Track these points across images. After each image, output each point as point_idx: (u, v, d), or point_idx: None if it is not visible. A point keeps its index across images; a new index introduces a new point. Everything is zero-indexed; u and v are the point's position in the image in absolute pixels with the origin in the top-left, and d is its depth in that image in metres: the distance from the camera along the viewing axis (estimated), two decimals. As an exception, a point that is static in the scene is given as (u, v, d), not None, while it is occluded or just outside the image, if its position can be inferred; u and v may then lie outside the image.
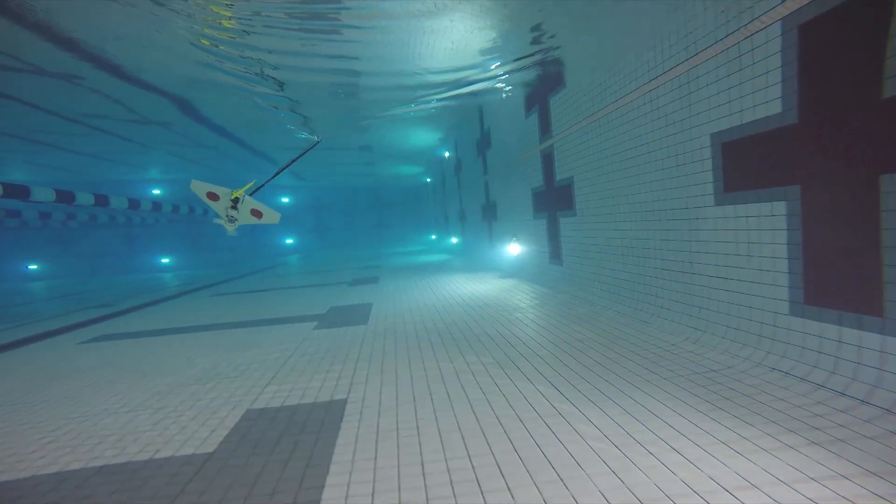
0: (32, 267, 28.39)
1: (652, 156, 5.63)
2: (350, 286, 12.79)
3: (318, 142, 13.16)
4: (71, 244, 28.78)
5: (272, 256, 31.06)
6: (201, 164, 22.87)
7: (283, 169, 8.27)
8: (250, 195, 7.24)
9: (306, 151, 9.72)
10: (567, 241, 8.30)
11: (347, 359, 5.58)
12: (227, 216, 7.08)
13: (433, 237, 30.74)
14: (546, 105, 8.67)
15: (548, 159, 8.84)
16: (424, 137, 19.56)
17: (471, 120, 15.07)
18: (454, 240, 22.36)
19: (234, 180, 10.07)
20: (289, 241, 34.76)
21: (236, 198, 6.98)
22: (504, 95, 11.27)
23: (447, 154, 21.61)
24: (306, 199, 35.00)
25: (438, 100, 12.79)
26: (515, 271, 11.71)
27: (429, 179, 30.44)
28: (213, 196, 7.01)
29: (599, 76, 6.74)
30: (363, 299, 10.13)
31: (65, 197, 15.01)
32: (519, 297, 8.63)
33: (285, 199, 34.30)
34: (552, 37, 7.18)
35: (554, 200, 8.72)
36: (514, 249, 11.41)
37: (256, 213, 7.18)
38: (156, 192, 28.81)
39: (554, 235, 8.90)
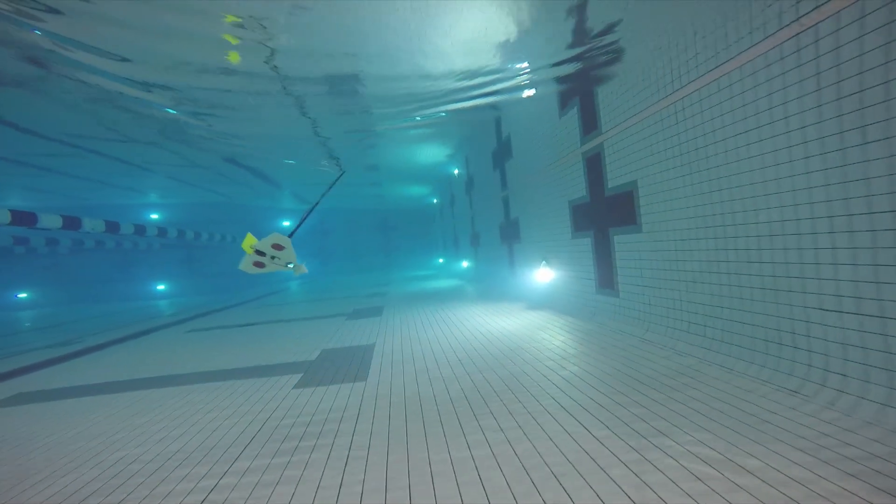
0: (22, 295, 26.97)
1: (779, 141, 3.80)
2: (349, 319, 10.91)
3: (343, 174, 13.11)
4: (63, 271, 27.36)
5: (271, 283, 29.28)
6: (201, 188, 21.61)
7: (314, 207, 8.14)
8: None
9: (333, 185, 9.76)
10: (625, 263, 6.42)
11: (334, 452, 3.66)
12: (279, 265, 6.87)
13: (441, 261, 28.91)
14: (591, 98, 6.91)
15: (594, 163, 7.03)
16: (432, 153, 17.94)
17: (485, 128, 13.36)
18: (465, 264, 20.50)
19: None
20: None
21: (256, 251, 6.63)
22: (526, 95, 9.56)
23: (456, 171, 19.92)
24: (308, 223, 33.33)
25: (450, 109, 11.19)
26: (545, 301, 9.80)
27: (436, 200, 28.77)
28: (258, 265, 6.70)
29: (679, 45, 4.96)
30: (363, 338, 8.23)
31: (71, 223, 13.74)
32: (561, 336, 6.71)
33: (286, 223, 32.74)
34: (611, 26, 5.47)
35: (604, 214, 6.88)
36: (543, 276, 9.53)
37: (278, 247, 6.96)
38: (154, 216, 27.49)
39: (604, 257, 7.03)
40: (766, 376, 4.11)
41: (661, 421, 3.55)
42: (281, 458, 3.57)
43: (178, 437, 4.25)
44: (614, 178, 6.41)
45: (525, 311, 9.51)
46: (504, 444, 3.44)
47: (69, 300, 26.30)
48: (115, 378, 7.04)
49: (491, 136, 13.19)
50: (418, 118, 12.28)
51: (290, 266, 7.13)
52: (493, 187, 13.75)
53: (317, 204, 8.28)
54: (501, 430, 3.71)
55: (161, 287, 28.83)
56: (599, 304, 7.33)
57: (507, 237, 12.86)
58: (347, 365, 6.39)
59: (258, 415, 4.65)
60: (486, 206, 15.20)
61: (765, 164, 3.98)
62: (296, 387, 5.55)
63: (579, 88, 7.38)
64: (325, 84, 9.18)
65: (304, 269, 7.22)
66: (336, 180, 10.92)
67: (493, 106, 10.90)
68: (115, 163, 15.38)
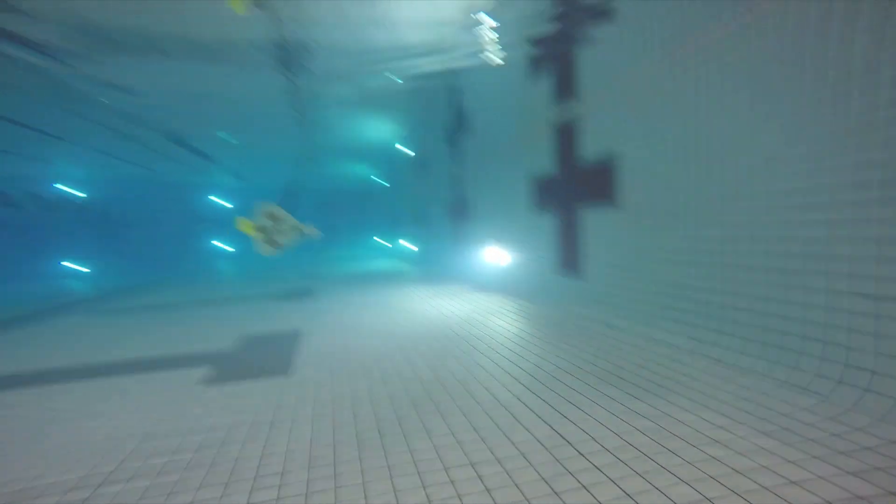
0: None
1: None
2: (275, 300, 9.74)
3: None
4: None
5: (205, 261, 27.17)
6: (127, 162, 19.58)
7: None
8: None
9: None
10: (597, 245, 5.73)
11: (233, 478, 2.69)
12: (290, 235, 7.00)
13: (382, 241, 27.78)
14: (569, 59, 6.10)
15: (566, 133, 6.27)
16: (377, 127, 16.81)
17: (436, 99, 12.39)
18: (411, 246, 19.54)
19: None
20: (228, 248, 30.82)
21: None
22: (487, 60, 8.70)
23: (402, 147, 18.83)
24: (244, 202, 31.24)
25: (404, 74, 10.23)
26: (496, 284, 9.07)
27: (379, 178, 27.53)
28: (272, 243, 6.94)
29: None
30: (289, 324, 7.17)
31: None
32: (517, 322, 5.97)
33: (228, 205, 30.46)
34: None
35: (574, 190, 6.15)
36: (494, 256, 8.78)
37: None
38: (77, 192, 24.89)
39: (569, 237, 6.33)
40: (762, 369, 3.51)
41: (647, 422, 2.84)
42: (163, 479, 2.57)
43: (24, 454, 3.12)
44: (591, 149, 5.66)
45: (474, 292, 8.74)
46: (465, 467, 2.60)
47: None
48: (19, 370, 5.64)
49: (443, 108, 12.23)
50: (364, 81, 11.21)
51: (302, 232, 7.00)
52: (442, 163, 12.84)
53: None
54: (459, 444, 2.87)
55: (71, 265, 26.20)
56: (561, 287, 6.65)
57: (456, 216, 12.02)
58: (268, 354, 5.35)
59: (142, 423, 3.57)
60: (434, 183, 14.28)
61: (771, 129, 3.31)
62: (200, 384, 4.48)
63: (553, 51, 6.58)
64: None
65: (316, 231, 6.92)
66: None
67: (451, 71, 10.00)
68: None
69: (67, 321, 9.24)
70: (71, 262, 26.12)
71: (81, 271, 25.78)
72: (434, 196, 14.13)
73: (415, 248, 19.38)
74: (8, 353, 6.47)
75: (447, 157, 12.18)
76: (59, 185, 24.74)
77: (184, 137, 16.80)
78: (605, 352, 4.44)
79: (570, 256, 6.33)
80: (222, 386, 4.34)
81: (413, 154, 17.05)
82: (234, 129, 15.99)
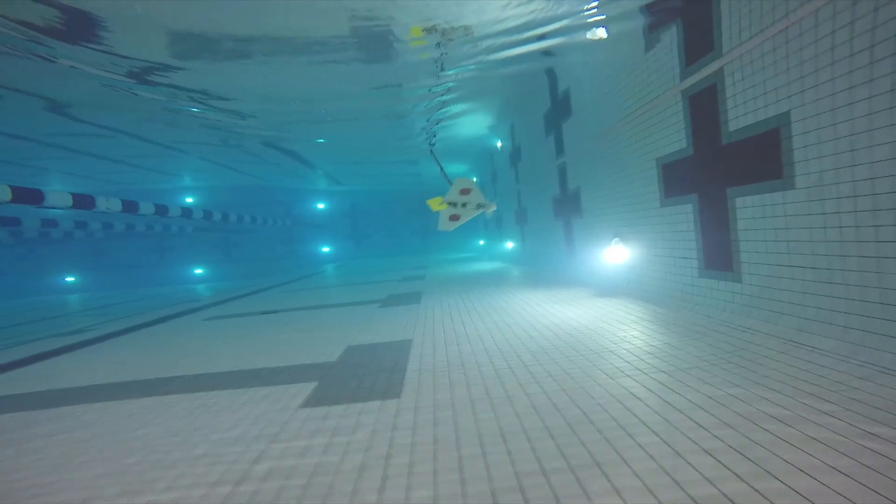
0: (70, 279, 27.41)
1: None
2: (382, 307, 9.43)
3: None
4: (106, 255, 27.53)
5: (307, 266, 28.41)
6: (234, 170, 20.93)
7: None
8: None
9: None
10: (756, 235, 4.60)
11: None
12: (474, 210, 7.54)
13: (482, 242, 27.21)
14: (704, 9, 5.02)
15: (703, 101, 5.18)
16: (470, 125, 16.19)
17: (535, 86, 11.50)
18: (510, 245, 18.75)
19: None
20: (325, 249, 32.10)
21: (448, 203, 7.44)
22: (595, 37, 7.72)
23: (499, 143, 18.09)
24: (342, 205, 32.32)
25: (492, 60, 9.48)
26: (619, 287, 8.02)
27: (475, 178, 26.99)
28: (454, 217, 7.51)
29: None
30: (398, 332, 6.71)
31: (82, 202, 12.98)
32: (654, 333, 4.98)
33: (320, 205, 31.75)
34: None
35: (719, 169, 5.05)
36: (615, 256, 7.76)
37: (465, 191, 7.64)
38: (188, 199, 27.14)
39: (716, 228, 5.22)
40: None
41: None
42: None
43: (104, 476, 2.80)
44: (742, 116, 4.55)
45: (593, 298, 7.78)
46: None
47: (110, 285, 26.21)
48: (97, 380, 5.76)
49: (543, 95, 11.33)
50: (451, 83, 10.63)
51: (483, 207, 7.33)
52: (545, 156, 11.93)
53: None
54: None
55: (198, 271, 28.64)
56: (705, 290, 5.54)
57: (564, 212, 11.06)
58: (377, 370, 4.86)
59: (230, 454, 3.16)
60: (535, 178, 13.39)
61: None
62: (304, 405, 4.06)
63: (678, 6, 5.51)
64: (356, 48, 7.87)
65: (494, 207, 7.30)
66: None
67: (546, 53, 9.09)
68: (148, 144, 14.66)
69: (188, 326, 9.60)
70: (198, 269, 28.59)
71: (201, 276, 28.12)
72: (539, 193, 13.23)
73: (510, 246, 18.56)
74: (136, 361, 6.64)
75: (552, 149, 11.25)
76: (188, 198, 27.20)
77: (279, 142, 17.33)
78: (809, 388, 3.38)
79: (718, 252, 5.20)
80: (328, 408, 3.87)
81: (511, 150, 16.23)
82: (329, 135, 16.23)
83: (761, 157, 4.32)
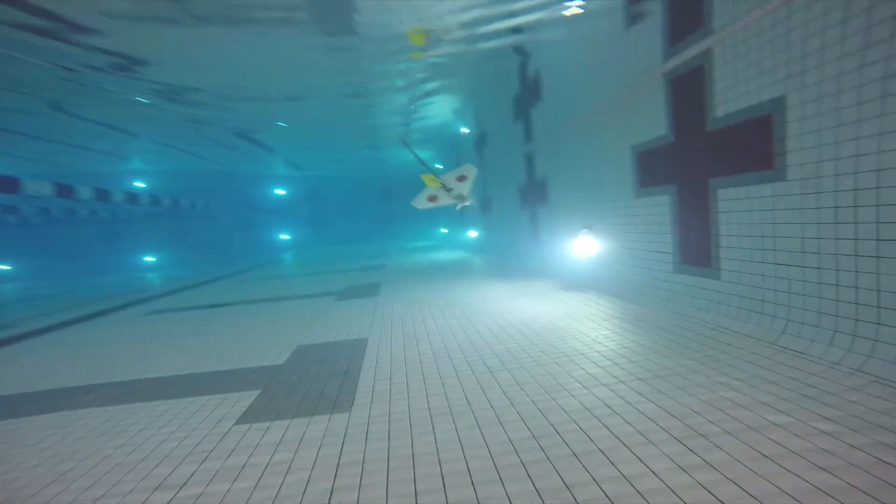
0: (3, 267, 25.36)
1: None
2: (338, 300, 8.89)
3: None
4: (46, 242, 25.61)
5: (265, 254, 27.32)
6: (192, 154, 19.66)
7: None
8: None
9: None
10: (739, 230, 4.31)
11: None
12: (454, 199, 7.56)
13: (444, 231, 26.77)
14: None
15: (689, 84, 4.84)
16: (437, 110, 15.66)
17: (504, 69, 11.05)
18: (472, 233, 18.39)
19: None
20: (284, 236, 30.98)
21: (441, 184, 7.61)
22: (569, 13, 7.34)
23: (464, 129, 17.61)
24: (302, 190, 31.19)
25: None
26: (587, 281, 7.74)
27: (440, 165, 26.47)
28: (432, 198, 7.59)
29: None
30: (353, 329, 6.21)
31: (62, 191, 11.81)
32: (631, 333, 4.67)
33: (280, 191, 30.57)
34: None
35: (702, 157, 4.73)
36: (584, 247, 7.45)
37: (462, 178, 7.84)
38: (139, 184, 25.54)
39: (695, 221, 4.93)
40: None
41: None
42: None
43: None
44: (732, 100, 4.22)
45: (560, 292, 7.46)
46: None
47: (51, 273, 24.50)
48: (8, 390, 5.04)
49: (511, 78, 10.90)
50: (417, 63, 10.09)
51: (460, 200, 7.32)
52: (512, 142, 11.54)
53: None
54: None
55: (150, 259, 27.17)
56: (680, 286, 5.26)
57: (530, 201, 10.72)
58: (326, 377, 4.37)
59: (137, 484, 2.63)
60: (501, 165, 13.00)
61: None
62: (240, 421, 3.54)
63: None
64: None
65: (469, 203, 7.46)
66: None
67: (516, 30, 8.65)
68: (98, 126, 13.42)
69: (125, 322, 8.80)
70: (150, 256, 27.10)
71: (154, 264, 26.68)
72: (502, 179, 12.85)
73: (473, 235, 18.21)
74: (56, 365, 5.90)
75: (518, 133, 10.86)
76: (137, 183, 25.58)
77: (245, 130, 16.44)
78: (799, 398, 3.09)
79: (695, 246, 4.92)
80: (268, 424, 3.36)
81: (477, 136, 15.79)
82: (290, 118, 15.40)
83: (750, 146, 4.01)
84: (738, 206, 4.26)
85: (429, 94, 13.38)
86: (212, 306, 9.75)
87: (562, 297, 7.05)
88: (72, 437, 3.54)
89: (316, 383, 4.20)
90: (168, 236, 27.60)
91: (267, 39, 8.28)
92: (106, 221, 26.06)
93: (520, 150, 10.98)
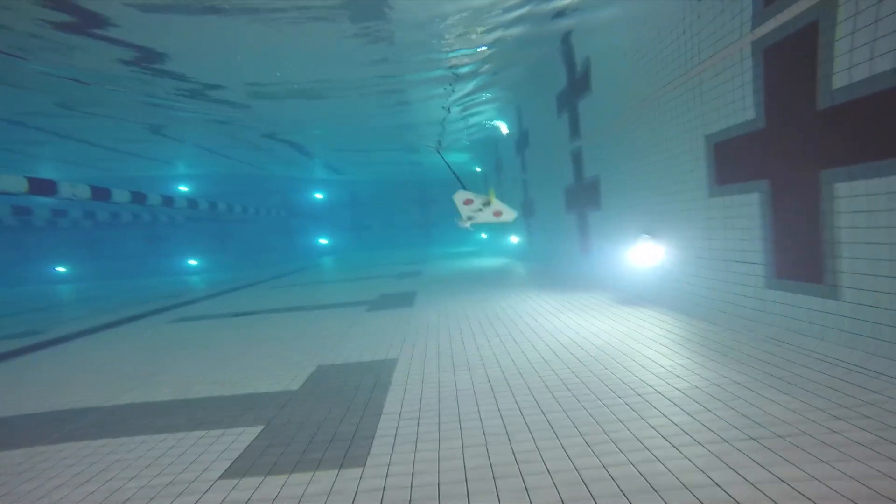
0: (60, 269, 26.35)
1: None
2: (370, 310, 8.21)
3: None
4: (96, 246, 26.33)
5: (303, 258, 27.20)
6: (233, 159, 19.68)
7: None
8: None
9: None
10: (871, 238, 3.32)
11: None
12: (467, 217, 7.73)
13: (484, 236, 25.91)
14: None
15: (788, 51, 3.88)
16: (476, 109, 14.84)
17: (548, 60, 10.14)
18: (514, 239, 17.47)
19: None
20: (323, 241, 30.84)
21: (488, 202, 7.57)
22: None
23: (504, 129, 16.74)
24: (341, 195, 30.97)
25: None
26: (649, 293, 6.76)
27: (478, 168, 25.63)
28: (468, 201, 7.64)
29: None
30: (382, 347, 5.48)
31: (97, 194, 11.94)
32: (731, 367, 3.74)
33: (318, 195, 30.45)
34: None
35: (813, 145, 3.74)
36: (644, 255, 6.49)
37: (497, 213, 7.81)
38: (183, 188, 25.92)
39: (801, 226, 3.93)
40: None
41: None
42: None
43: None
44: (858, 66, 3.22)
45: (617, 306, 6.52)
46: None
47: (102, 275, 25.15)
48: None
49: (557, 70, 10.00)
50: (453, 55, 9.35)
51: (470, 222, 7.68)
52: (556, 140, 10.63)
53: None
54: None
55: (192, 262, 27.58)
56: (775, 306, 4.27)
57: (578, 203, 9.78)
58: (343, 409, 3.64)
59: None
60: (545, 166, 12.09)
61: None
62: (227, 473, 2.83)
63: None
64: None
65: (513, 214, 7.77)
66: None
67: (560, 14, 7.77)
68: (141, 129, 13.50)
69: (149, 330, 8.38)
70: (192, 261, 27.48)
71: (196, 268, 27.07)
72: (548, 183, 11.93)
73: (514, 241, 17.27)
74: (65, 379, 5.42)
75: (566, 132, 9.95)
76: (181, 187, 25.95)
77: (278, 132, 16.16)
78: None
79: (799, 256, 3.93)
80: (261, 480, 2.65)
81: (518, 136, 14.90)
82: (329, 125, 15.08)
83: (884, 124, 3.04)
84: (866, 203, 3.28)
85: (469, 93, 12.59)
86: (237, 315, 9.26)
87: (620, 312, 6.12)
88: (46, 475, 2.93)
89: (329, 419, 3.47)
90: (210, 239, 27.92)
91: (299, 29, 7.73)
92: (150, 225, 26.62)
93: (565, 148, 10.05)
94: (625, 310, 6.24)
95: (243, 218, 26.59)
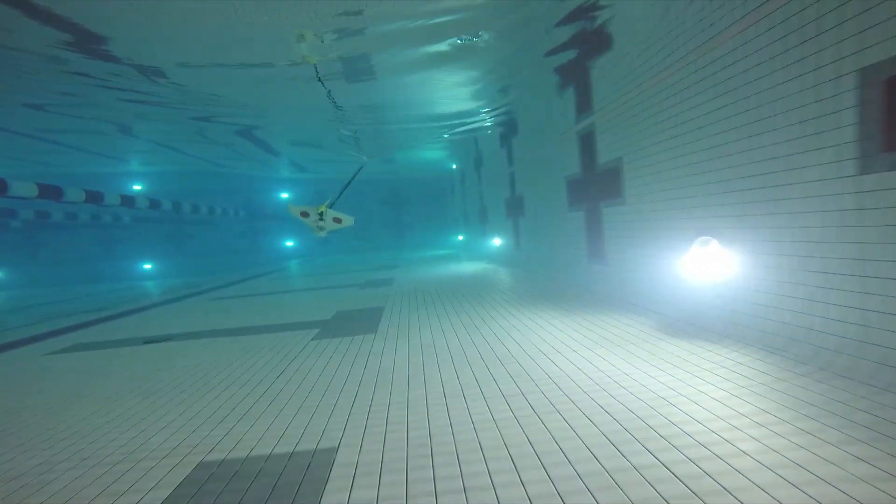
0: None
1: None
2: (318, 338, 6.09)
3: (366, 164, 13.64)
4: (39, 249, 24.32)
5: (266, 263, 24.82)
6: (187, 154, 17.24)
7: (345, 187, 10.21)
8: (330, 207, 9.43)
9: (356, 174, 11.16)
10: None
11: None
12: (317, 226, 9.03)
13: (461, 238, 23.91)
14: None
15: None
16: (452, 96, 12.66)
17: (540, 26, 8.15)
18: (497, 241, 15.47)
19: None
20: (289, 243, 28.50)
21: (321, 212, 8.88)
22: None
23: (487, 123, 14.72)
24: (308, 195, 28.58)
25: None
26: (700, 318, 4.82)
27: (455, 165, 23.64)
28: (304, 214, 8.87)
29: None
30: (319, 418, 3.36)
31: (49, 193, 9.84)
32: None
33: (284, 195, 28.14)
34: None
35: None
36: (706, 267, 4.56)
37: (337, 220, 9.45)
38: (136, 187, 23.40)
39: None
40: None
41: None
42: None
43: None
44: None
45: (666, 338, 4.55)
46: None
47: (41, 281, 22.36)
48: None
49: (545, 35, 8.02)
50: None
51: (341, 222, 9.24)
52: (555, 121, 8.68)
53: (347, 185, 10.10)
54: None
55: (147, 266, 25.15)
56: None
57: (588, 197, 7.84)
58: None
59: None
60: (538, 155, 10.13)
61: None
62: None
63: None
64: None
65: (351, 220, 9.36)
66: (358, 171, 11.53)
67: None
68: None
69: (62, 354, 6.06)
70: (147, 263, 25.12)
71: (152, 272, 24.95)
72: (539, 171, 9.97)
73: (497, 243, 15.27)
74: None
75: (572, 109, 8.01)
76: (135, 186, 23.31)
77: (249, 130, 14.04)
78: None
79: None
80: None
81: (501, 133, 12.92)
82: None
83: None
84: None
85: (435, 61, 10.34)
86: (148, 342, 7.01)
87: (673, 349, 4.16)
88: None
89: None
90: (166, 242, 25.57)
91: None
92: (103, 226, 24.03)
93: (570, 130, 8.10)
94: (677, 344, 4.27)
95: (197, 219, 24.26)
